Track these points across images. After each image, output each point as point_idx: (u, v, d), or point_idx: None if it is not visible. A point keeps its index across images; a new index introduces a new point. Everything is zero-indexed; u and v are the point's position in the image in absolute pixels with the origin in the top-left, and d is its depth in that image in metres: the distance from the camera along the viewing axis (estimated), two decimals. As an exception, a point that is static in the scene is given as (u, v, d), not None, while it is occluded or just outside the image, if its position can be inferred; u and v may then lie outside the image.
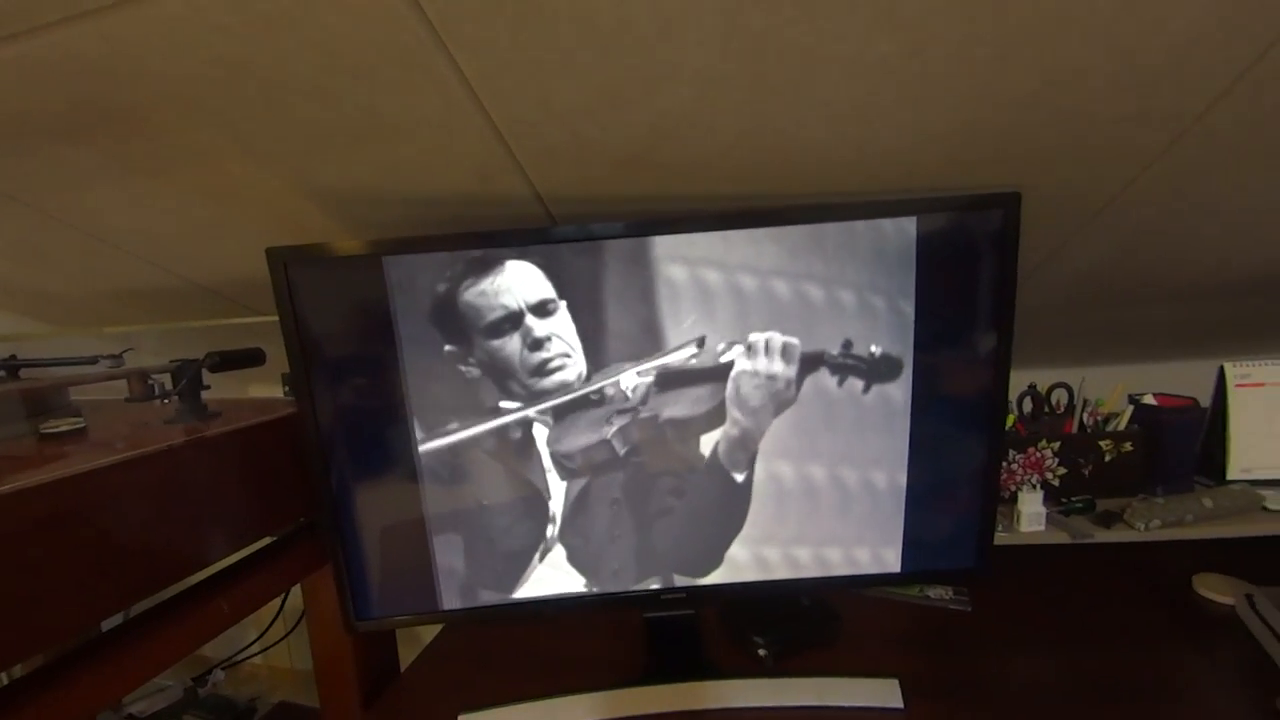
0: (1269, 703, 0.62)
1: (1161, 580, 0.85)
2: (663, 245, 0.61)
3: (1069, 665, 0.70)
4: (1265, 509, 0.83)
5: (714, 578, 0.71)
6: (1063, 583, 0.86)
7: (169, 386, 0.67)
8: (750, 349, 0.64)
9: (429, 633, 0.87)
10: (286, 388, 0.80)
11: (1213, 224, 0.67)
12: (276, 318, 0.62)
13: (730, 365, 0.64)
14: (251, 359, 0.72)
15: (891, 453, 0.67)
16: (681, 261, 0.62)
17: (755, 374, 0.64)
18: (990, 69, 0.46)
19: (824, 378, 0.65)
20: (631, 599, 0.72)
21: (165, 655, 0.57)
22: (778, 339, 0.63)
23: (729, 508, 0.68)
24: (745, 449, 0.67)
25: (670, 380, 0.65)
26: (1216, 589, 0.81)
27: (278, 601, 0.85)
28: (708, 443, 0.67)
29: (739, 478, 0.67)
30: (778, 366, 0.64)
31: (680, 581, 0.71)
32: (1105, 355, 0.98)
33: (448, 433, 0.66)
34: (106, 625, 0.56)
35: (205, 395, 0.70)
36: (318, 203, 0.67)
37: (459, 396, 0.65)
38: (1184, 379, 0.94)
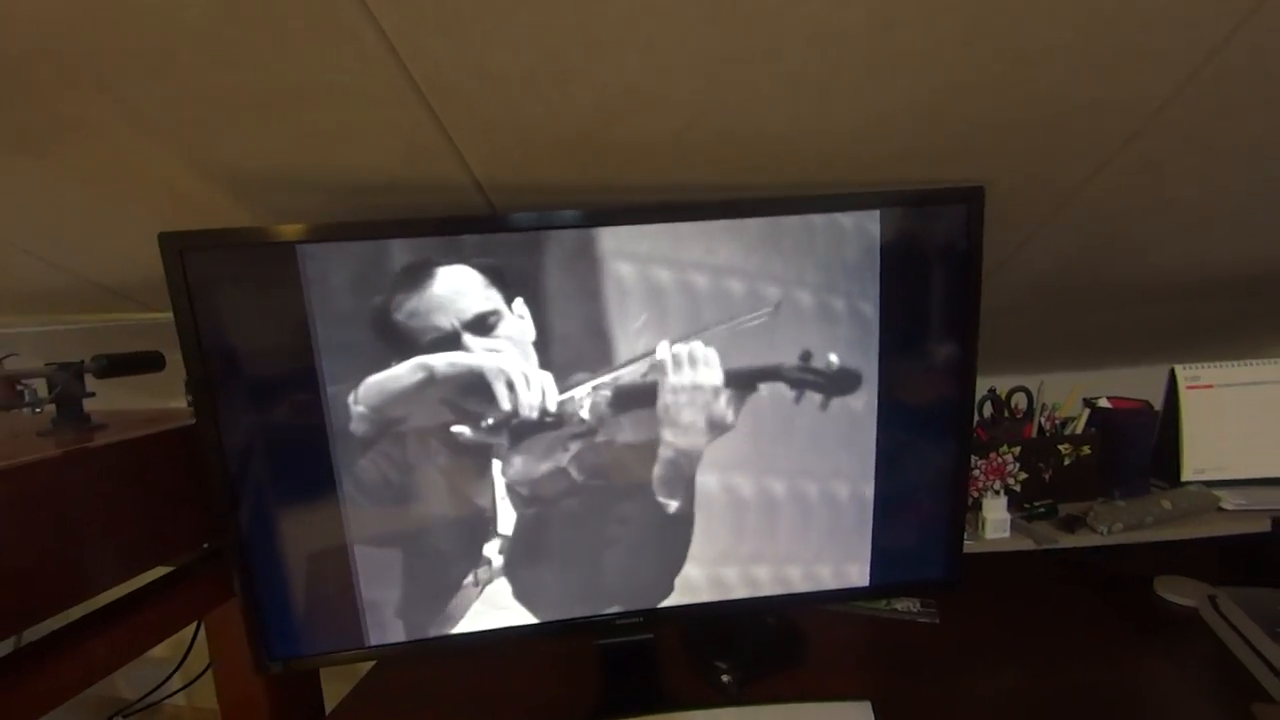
0: (1241, 706, 0.61)
1: (1123, 584, 0.85)
2: (613, 239, 0.56)
3: (1038, 675, 0.68)
4: (1221, 509, 0.83)
5: (671, 599, 0.65)
6: (1027, 589, 0.85)
7: (43, 394, 0.58)
8: (675, 360, 0.58)
9: (359, 670, 0.78)
10: (190, 397, 0.71)
11: (1169, 224, 0.66)
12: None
13: (658, 380, 0.59)
14: (147, 363, 0.64)
15: (857, 465, 0.63)
16: (631, 258, 0.57)
17: (681, 388, 0.59)
18: (957, 46, 0.43)
19: (781, 390, 0.60)
20: (584, 625, 0.66)
21: (31, 705, 0.48)
22: (700, 348, 0.58)
23: (668, 537, 0.63)
24: (680, 474, 0.61)
25: (625, 398, 0.59)
26: (1178, 591, 0.81)
27: (195, 632, 0.76)
28: (656, 450, 0.61)
29: (672, 506, 0.62)
30: (704, 378, 0.59)
31: (636, 606, 0.66)
32: (1062, 359, 0.98)
33: (374, 449, 0.59)
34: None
35: (94, 406, 0.61)
36: (221, 185, 0.59)
37: (387, 408, 0.58)
38: (1137, 382, 0.94)
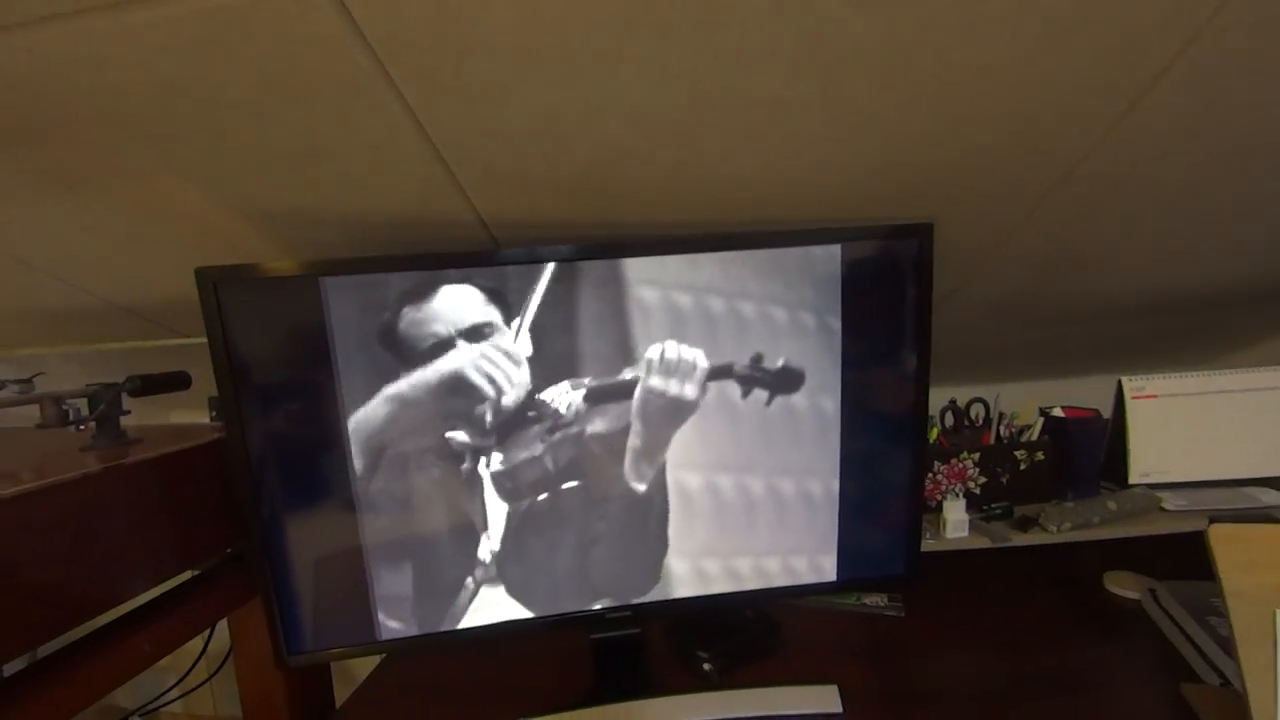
0: (1173, 687, 0.67)
1: (1075, 579, 0.91)
2: (603, 269, 0.63)
3: (994, 662, 0.74)
4: (1163, 509, 0.90)
5: (655, 594, 0.72)
6: (986, 585, 0.91)
7: (85, 412, 0.64)
8: (651, 362, 0.65)
9: (362, 672, 0.83)
10: (214, 413, 0.77)
11: (1100, 255, 0.74)
12: (198, 340, 0.60)
13: (636, 379, 0.66)
14: (176, 383, 0.70)
15: (825, 465, 0.70)
16: (623, 283, 0.64)
17: (654, 388, 0.66)
18: (900, 110, 0.51)
19: (751, 390, 0.67)
20: (576, 620, 0.72)
21: (80, 698, 0.53)
22: (675, 349, 0.65)
23: (645, 520, 0.70)
24: (650, 459, 0.68)
25: (597, 396, 0.66)
26: (1124, 585, 0.88)
27: (198, 644, 0.81)
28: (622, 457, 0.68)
29: (640, 488, 0.69)
30: (675, 379, 0.66)
31: (618, 602, 0.72)
32: (1018, 372, 1.06)
33: (386, 459, 0.65)
34: (11, 669, 0.52)
35: (124, 422, 0.66)
36: (249, 222, 0.65)
37: (398, 421, 0.64)
38: (1088, 392, 1.01)
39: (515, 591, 0.70)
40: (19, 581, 0.48)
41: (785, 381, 0.67)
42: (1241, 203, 0.65)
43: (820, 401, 0.68)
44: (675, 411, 0.67)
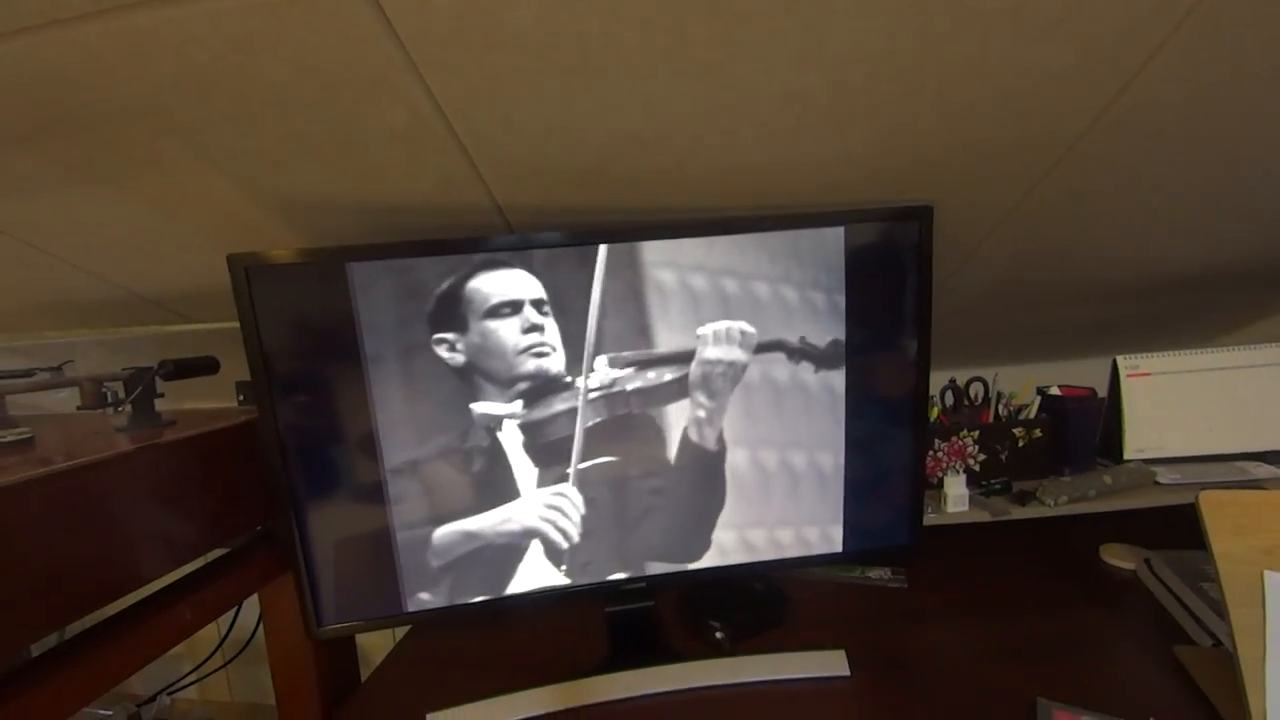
0: (1168, 650, 0.70)
1: (1072, 551, 0.94)
2: (632, 252, 0.66)
3: (995, 630, 0.77)
4: (1157, 483, 0.93)
5: (704, 561, 0.76)
6: (986, 557, 0.94)
7: (121, 394, 0.66)
8: (712, 336, 0.69)
9: (381, 652, 0.87)
10: (241, 396, 0.79)
11: (1094, 237, 0.77)
12: (224, 325, 0.63)
13: (692, 352, 0.69)
14: (207, 367, 0.72)
15: (832, 440, 0.73)
16: (651, 267, 0.67)
17: (715, 360, 0.69)
18: (898, 100, 0.53)
19: (776, 364, 0.71)
20: (592, 591, 0.75)
21: (126, 663, 0.56)
22: (735, 327, 0.69)
23: (708, 484, 0.73)
24: (713, 426, 0.72)
25: (639, 365, 0.69)
26: (1120, 556, 0.91)
27: (217, 632, 0.83)
28: (677, 422, 0.71)
29: (712, 449, 0.72)
30: (736, 353, 0.69)
31: (657, 569, 0.75)
32: (1016, 352, 1.09)
33: (413, 434, 0.68)
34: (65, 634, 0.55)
35: (158, 406, 0.69)
36: (274, 211, 0.68)
37: (428, 394, 0.67)
38: (1084, 372, 1.04)
39: (553, 555, 0.73)
40: (65, 554, 0.50)
41: (829, 356, 0.71)
42: (1230, 185, 0.68)
43: (829, 379, 0.71)
44: (729, 382, 0.71)
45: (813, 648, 0.73)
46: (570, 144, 0.57)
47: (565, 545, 0.73)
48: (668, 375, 0.70)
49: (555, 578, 0.74)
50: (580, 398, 0.69)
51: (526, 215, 0.70)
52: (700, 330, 0.69)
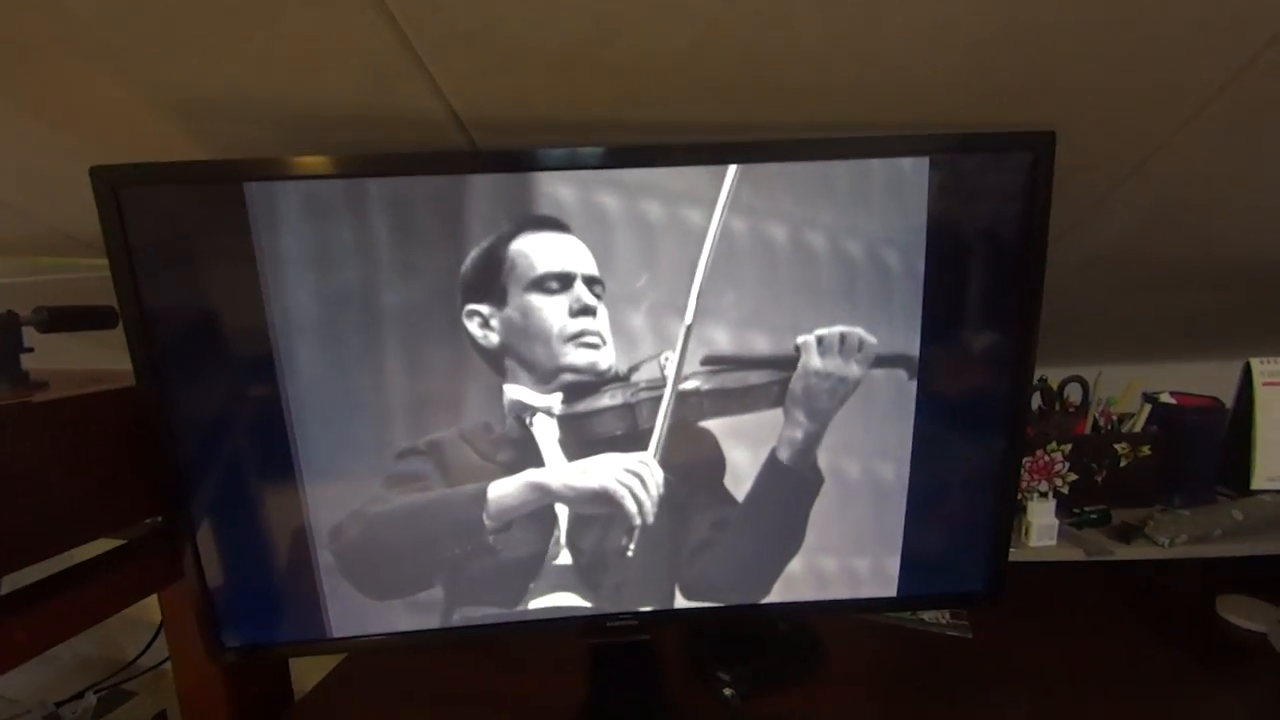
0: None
1: (1181, 603, 0.76)
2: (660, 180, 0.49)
3: (1082, 704, 0.61)
4: (1297, 523, 0.74)
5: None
6: (1072, 605, 0.77)
7: (-25, 348, 0.52)
8: (821, 344, 0.52)
9: (319, 669, 0.72)
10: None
11: (1248, 196, 0.56)
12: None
13: (795, 358, 0.53)
14: (96, 318, 0.57)
15: (897, 446, 0.55)
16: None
17: (824, 373, 0.53)
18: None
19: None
20: (573, 624, 0.59)
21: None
22: (855, 336, 0.52)
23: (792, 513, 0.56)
24: (809, 449, 0.55)
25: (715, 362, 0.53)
26: (1244, 614, 0.72)
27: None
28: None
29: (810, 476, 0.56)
30: (853, 368, 0.52)
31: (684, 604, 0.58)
32: (1118, 348, 0.88)
33: (338, 423, 0.52)
34: None
35: (40, 365, 0.55)
36: (174, 117, 0.52)
37: (360, 369, 0.51)
38: (1201, 377, 0.84)
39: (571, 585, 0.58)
40: None
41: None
42: None
43: (894, 369, 0.53)
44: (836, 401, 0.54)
45: (846, 714, 0.56)
46: (545, 8, 0.39)
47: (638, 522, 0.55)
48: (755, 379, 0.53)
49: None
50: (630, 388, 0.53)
51: (495, 130, 0.53)
52: (802, 339, 0.52)
